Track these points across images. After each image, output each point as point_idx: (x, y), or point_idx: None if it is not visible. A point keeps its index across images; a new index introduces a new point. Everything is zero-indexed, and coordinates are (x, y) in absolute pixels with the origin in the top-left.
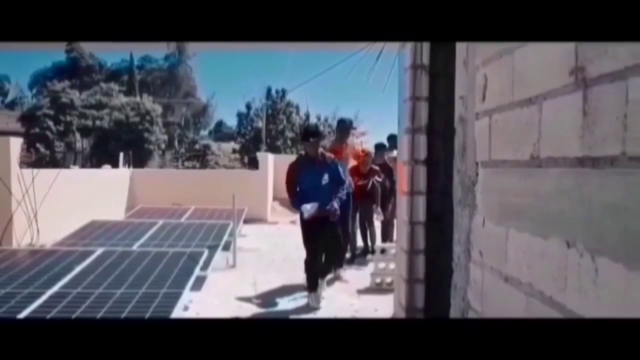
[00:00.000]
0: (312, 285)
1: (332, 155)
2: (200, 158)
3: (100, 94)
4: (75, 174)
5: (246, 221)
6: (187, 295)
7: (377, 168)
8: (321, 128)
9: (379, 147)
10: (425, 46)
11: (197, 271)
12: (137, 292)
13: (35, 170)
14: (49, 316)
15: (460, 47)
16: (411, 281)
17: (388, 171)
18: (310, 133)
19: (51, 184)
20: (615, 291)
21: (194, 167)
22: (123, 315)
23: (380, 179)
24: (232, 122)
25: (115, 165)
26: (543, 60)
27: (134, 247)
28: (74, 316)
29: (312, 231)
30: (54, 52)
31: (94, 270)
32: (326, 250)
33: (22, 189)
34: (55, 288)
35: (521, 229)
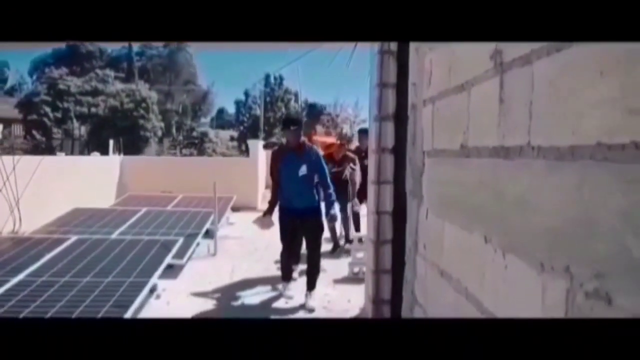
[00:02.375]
0: (285, 275)
1: (314, 145)
2: (197, 145)
3: (95, 81)
4: (60, 161)
5: (236, 209)
6: (155, 283)
7: (352, 155)
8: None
9: (363, 132)
10: None
11: (167, 260)
12: (102, 281)
13: (17, 157)
14: (8, 305)
15: None
16: (378, 272)
17: None
18: (290, 121)
19: (33, 172)
20: (520, 290)
21: (191, 155)
22: (84, 305)
23: (355, 167)
24: (233, 109)
25: (106, 152)
26: (477, 45)
27: (113, 235)
28: (33, 306)
29: (290, 226)
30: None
31: (64, 259)
32: (308, 251)
33: (3, 176)
34: (21, 276)
35: (453, 222)
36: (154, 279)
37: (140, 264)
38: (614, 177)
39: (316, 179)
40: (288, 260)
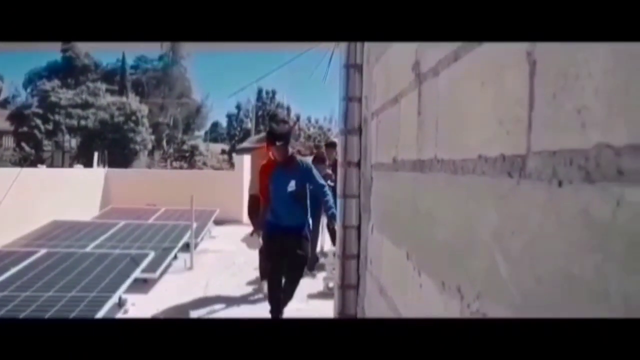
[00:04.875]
0: (275, 309)
1: (305, 159)
2: (188, 159)
3: (86, 94)
4: (41, 173)
5: (220, 222)
6: (123, 298)
7: (330, 172)
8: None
9: (330, 145)
10: (359, 45)
11: (135, 274)
12: (65, 296)
13: None
14: None
15: (366, 45)
16: (344, 287)
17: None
18: (274, 137)
19: (10, 185)
20: (429, 310)
21: (181, 168)
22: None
23: (332, 183)
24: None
25: (91, 165)
26: (404, 55)
27: (87, 249)
28: None
29: (275, 246)
30: (49, 52)
31: (29, 272)
32: (287, 282)
33: None
34: None
35: (389, 238)
36: (119, 294)
37: (107, 278)
38: (488, 191)
39: (309, 193)
40: (277, 289)
